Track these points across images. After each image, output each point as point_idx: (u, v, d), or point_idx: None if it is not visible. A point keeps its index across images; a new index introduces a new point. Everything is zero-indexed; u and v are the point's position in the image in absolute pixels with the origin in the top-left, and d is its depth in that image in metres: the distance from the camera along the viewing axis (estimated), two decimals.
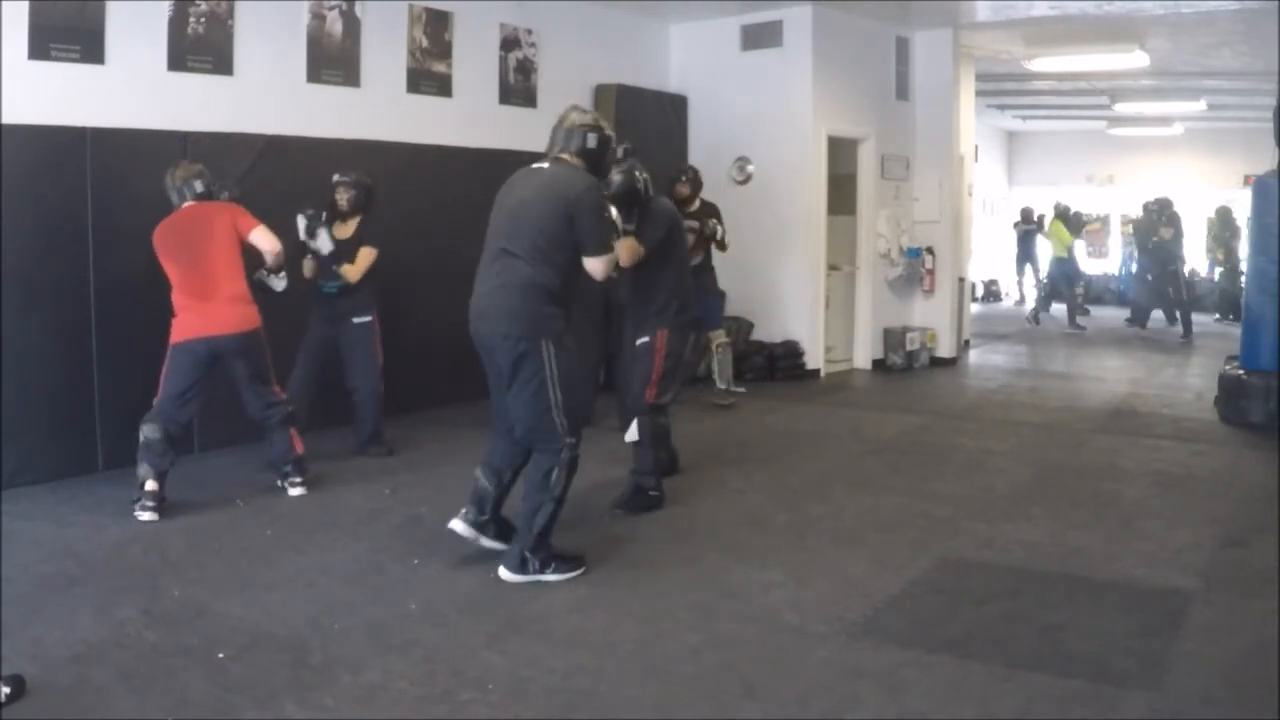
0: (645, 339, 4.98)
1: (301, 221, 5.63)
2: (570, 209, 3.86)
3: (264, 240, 4.99)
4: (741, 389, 7.98)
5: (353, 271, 5.73)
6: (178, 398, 4.85)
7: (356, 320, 5.83)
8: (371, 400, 5.91)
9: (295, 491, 5.12)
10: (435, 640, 3.44)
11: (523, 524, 3.97)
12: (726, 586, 3.96)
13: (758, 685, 3.14)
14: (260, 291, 5.14)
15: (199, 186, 4.98)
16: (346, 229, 5.81)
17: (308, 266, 5.76)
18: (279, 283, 5.26)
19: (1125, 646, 3.40)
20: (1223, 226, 14.62)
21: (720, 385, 7.71)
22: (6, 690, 2.90)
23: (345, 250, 5.74)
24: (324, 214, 5.72)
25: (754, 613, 3.72)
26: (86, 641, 3.37)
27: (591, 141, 4.05)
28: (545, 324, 3.85)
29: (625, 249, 4.67)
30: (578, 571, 4.02)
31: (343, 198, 5.82)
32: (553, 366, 3.84)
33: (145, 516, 4.69)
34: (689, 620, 3.62)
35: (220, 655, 3.28)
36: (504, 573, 3.97)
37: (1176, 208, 13.06)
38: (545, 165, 4.04)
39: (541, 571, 3.95)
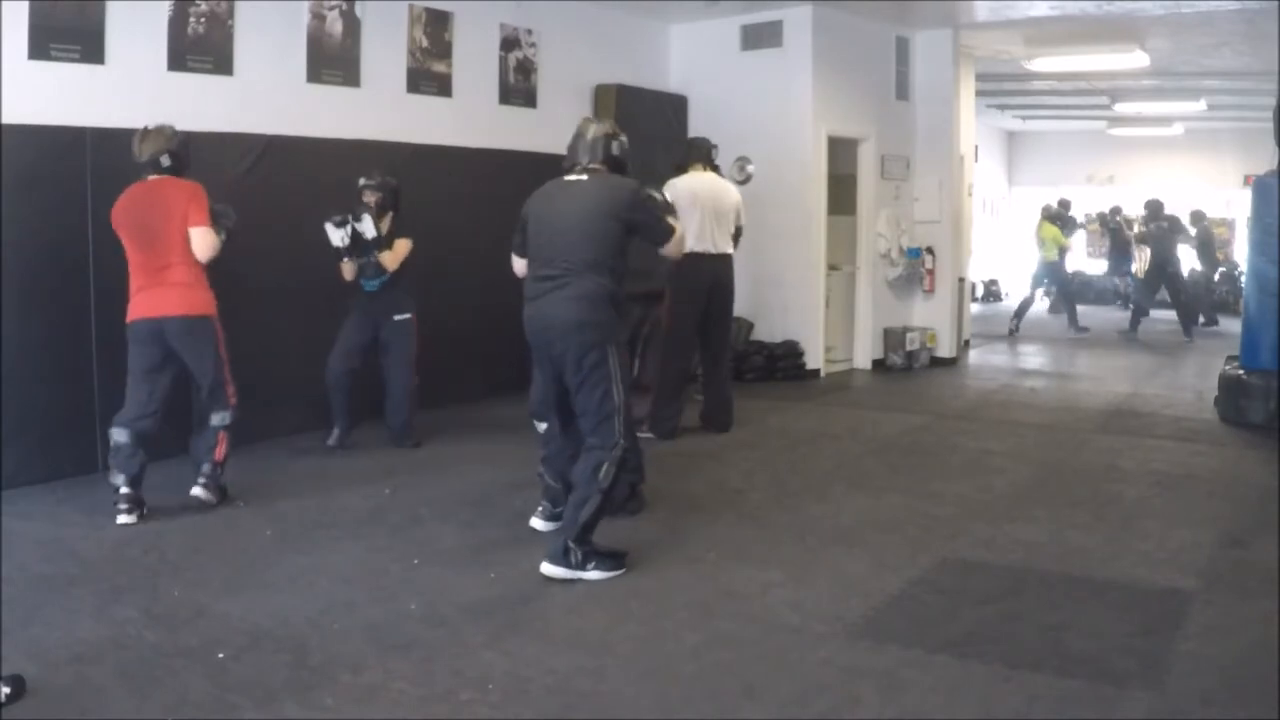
0: None
1: (333, 229, 5.70)
2: (630, 215, 4.09)
3: (199, 242, 4.72)
4: None
5: (390, 259, 5.83)
6: (137, 389, 4.76)
7: (397, 317, 5.97)
8: (404, 394, 6.07)
9: (197, 493, 4.84)
10: (435, 640, 3.44)
11: (569, 514, 4.02)
12: (726, 586, 3.96)
13: (758, 685, 3.14)
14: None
15: (165, 160, 4.72)
16: (400, 248, 5.91)
17: (347, 269, 5.86)
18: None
19: (1125, 646, 3.40)
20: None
21: None
22: (6, 690, 2.90)
23: (380, 245, 5.86)
24: (350, 215, 5.78)
25: (754, 613, 3.72)
26: (86, 641, 3.37)
27: (616, 149, 4.25)
28: (611, 330, 4.06)
29: None
30: (620, 571, 4.02)
31: (371, 200, 5.91)
32: (617, 371, 4.04)
33: (122, 520, 4.64)
34: (689, 620, 3.62)
35: (220, 655, 3.27)
36: (547, 568, 3.98)
37: (1169, 209, 13.08)
38: (583, 177, 4.17)
39: (584, 566, 3.96)
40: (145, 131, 4.78)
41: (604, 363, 4.00)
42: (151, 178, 4.76)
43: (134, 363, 4.78)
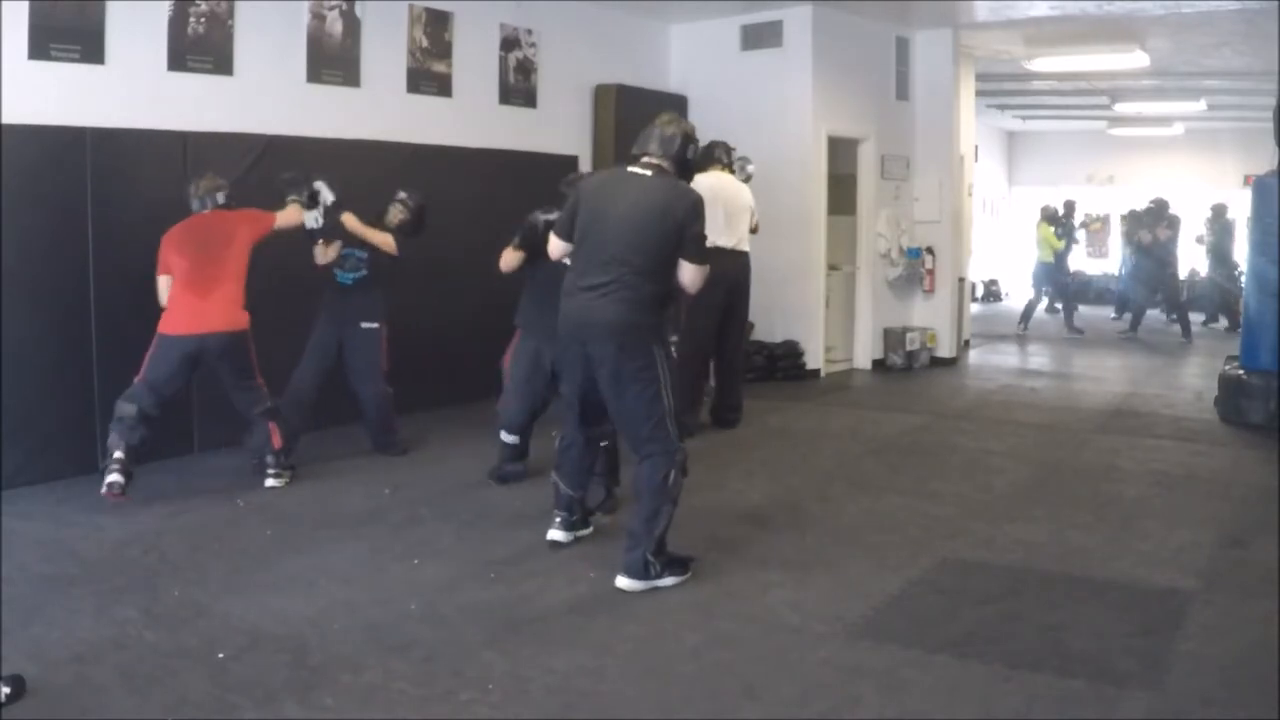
0: None
1: (306, 213, 5.47)
2: (684, 221, 3.88)
3: (289, 218, 5.33)
4: None
5: (380, 237, 5.69)
6: (156, 387, 4.97)
7: (365, 325, 5.79)
8: (376, 404, 5.93)
9: (271, 483, 5.24)
10: (435, 640, 3.44)
11: (641, 527, 3.88)
12: (726, 586, 3.96)
13: (758, 685, 3.14)
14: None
15: (220, 198, 5.22)
16: (384, 235, 5.74)
17: (320, 253, 5.69)
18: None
19: (1125, 646, 3.40)
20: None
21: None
22: (6, 690, 2.90)
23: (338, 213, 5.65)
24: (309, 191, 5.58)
25: (754, 613, 3.72)
26: (86, 641, 3.38)
27: (690, 152, 4.06)
28: (657, 332, 3.92)
29: None
30: (687, 575, 3.98)
31: (395, 216, 5.85)
32: (665, 374, 3.90)
33: (111, 479, 4.77)
34: (689, 620, 3.62)
35: (220, 655, 3.28)
36: (624, 581, 3.88)
37: (1172, 209, 13.08)
38: (646, 172, 3.96)
39: (661, 576, 3.91)
40: (198, 178, 5.27)
41: (651, 365, 3.85)
42: (210, 210, 5.19)
43: (161, 363, 4.98)
